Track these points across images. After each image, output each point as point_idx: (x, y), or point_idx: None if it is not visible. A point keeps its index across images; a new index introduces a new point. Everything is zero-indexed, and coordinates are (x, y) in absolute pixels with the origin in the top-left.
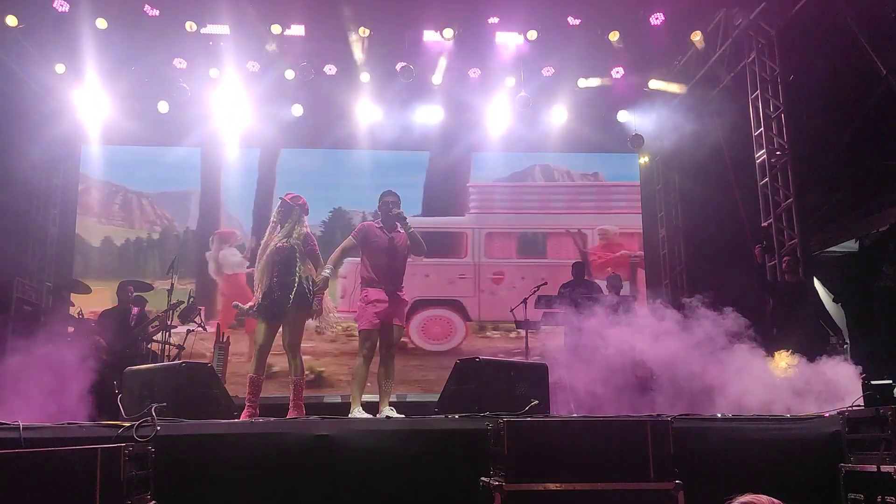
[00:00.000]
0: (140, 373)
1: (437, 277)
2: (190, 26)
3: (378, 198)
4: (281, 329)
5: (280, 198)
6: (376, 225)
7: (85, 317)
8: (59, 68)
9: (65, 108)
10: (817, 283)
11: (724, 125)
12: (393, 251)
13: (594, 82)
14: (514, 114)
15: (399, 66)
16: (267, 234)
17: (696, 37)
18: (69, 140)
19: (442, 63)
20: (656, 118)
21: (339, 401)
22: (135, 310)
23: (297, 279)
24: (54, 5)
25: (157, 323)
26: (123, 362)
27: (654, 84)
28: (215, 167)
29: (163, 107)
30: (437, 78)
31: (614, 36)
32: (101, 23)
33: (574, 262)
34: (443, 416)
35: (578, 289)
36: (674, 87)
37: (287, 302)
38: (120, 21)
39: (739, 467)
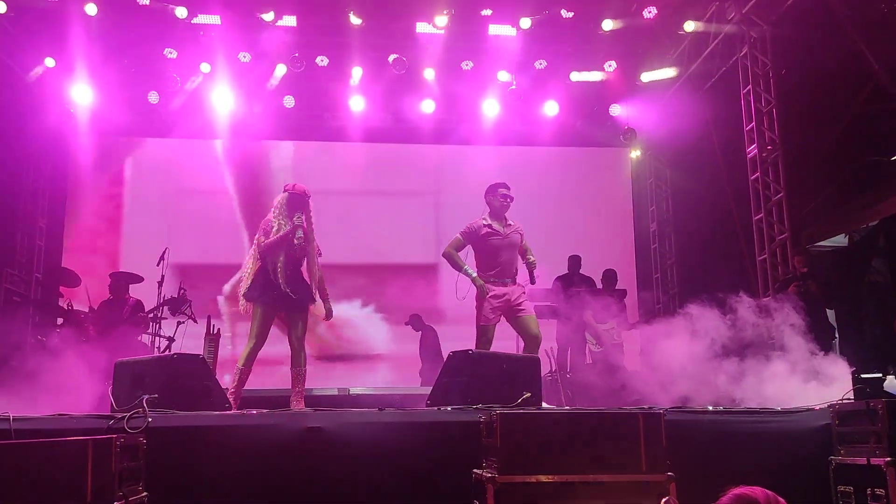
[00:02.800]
0: (131, 364)
1: None
2: (180, 12)
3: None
4: (289, 322)
5: (285, 189)
6: (484, 222)
7: (74, 308)
8: (49, 62)
9: (54, 98)
10: None
11: (716, 119)
12: (508, 245)
13: (594, 76)
14: (506, 107)
15: (391, 57)
16: (274, 225)
17: (690, 26)
18: (58, 130)
19: (434, 55)
20: (648, 112)
21: (336, 393)
22: (131, 301)
23: (303, 272)
24: None
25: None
26: (117, 354)
27: (647, 76)
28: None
29: (153, 98)
30: (429, 70)
31: (608, 24)
32: (91, 8)
33: (570, 255)
34: (435, 409)
35: (573, 282)
36: (667, 73)
37: (299, 295)
38: (110, 10)
39: (730, 460)
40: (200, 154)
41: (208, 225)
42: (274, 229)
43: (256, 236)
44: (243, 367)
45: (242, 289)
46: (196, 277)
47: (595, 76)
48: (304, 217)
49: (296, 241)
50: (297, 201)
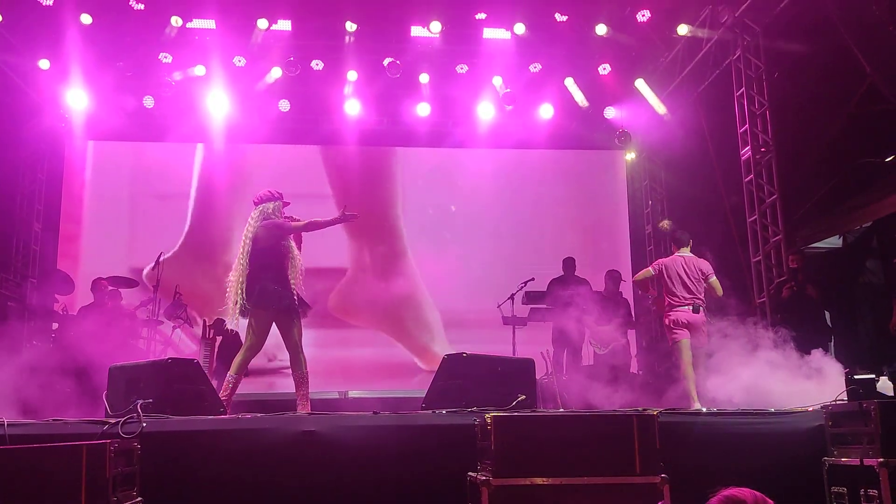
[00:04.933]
0: (125, 369)
1: None
2: (175, 21)
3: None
4: (285, 326)
5: (274, 197)
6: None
7: (69, 313)
8: (44, 64)
9: (49, 102)
10: None
11: (710, 122)
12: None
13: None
14: (501, 110)
15: (386, 61)
16: (250, 232)
17: (683, 30)
18: (53, 135)
19: (429, 59)
20: (643, 115)
21: (336, 396)
22: (109, 304)
23: (291, 275)
24: None
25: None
26: (100, 358)
27: (640, 84)
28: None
29: (148, 102)
30: (423, 74)
31: (602, 28)
32: (86, 18)
33: (565, 257)
34: (430, 412)
35: (568, 284)
36: (659, 107)
37: (290, 299)
38: (105, 14)
39: (724, 461)
40: (196, 158)
41: (205, 229)
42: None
43: (248, 243)
44: (236, 376)
45: (236, 300)
46: (193, 282)
47: (583, 101)
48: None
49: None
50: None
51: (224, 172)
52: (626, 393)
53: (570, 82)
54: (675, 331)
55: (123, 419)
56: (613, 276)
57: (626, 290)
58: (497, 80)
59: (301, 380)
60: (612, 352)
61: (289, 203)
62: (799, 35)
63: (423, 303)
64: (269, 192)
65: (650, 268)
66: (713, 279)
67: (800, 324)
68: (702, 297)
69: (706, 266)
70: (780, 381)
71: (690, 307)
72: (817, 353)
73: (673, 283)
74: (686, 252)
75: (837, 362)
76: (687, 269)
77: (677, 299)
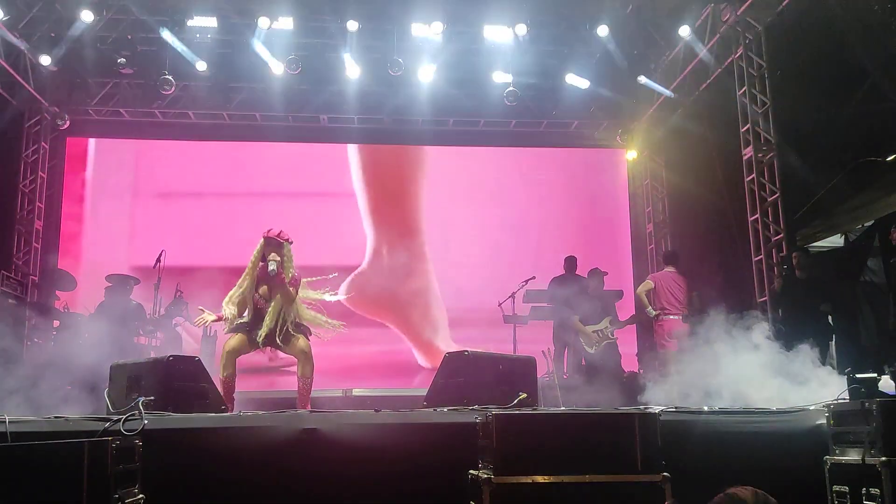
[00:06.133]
0: (127, 367)
1: None
2: (177, 19)
3: None
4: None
5: (263, 235)
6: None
7: (70, 311)
8: (44, 61)
9: (49, 100)
10: None
11: (712, 120)
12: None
13: (584, 83)
14: (502, 109)
15: (387, 60)
16: (253, 265)
17: (685, 32)
18: (53, 134)
19: (430, 57)
20: (644, 113)
21: (340, 394)
22: (133, 302)
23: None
24: None
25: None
26: (120, 355)
27: (643, 80)
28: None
29: (149, 100)
30: (424, 73)
31: (603, 31)
32: (87, 16)
33: (566, 256)
34: (431, 410)
35: (568, 283)
36: (666, 93)
37: (288, 334)
38: (106, 12)
39: (725, 459)
40: (197, 157)
41: (206, 227)
42: (246, 270)
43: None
44: (232, 376)
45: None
46: (194, 280)
47: (584, 83)
48: (279, 258)
49: (270, 272)
50: (272, 244)
51: (225, 171)
52: (616, 392)
53: (570, 79)
54: (664, 338)
55: (125, 416)
56: (597, 275)
57: (626, 292)
58: (498, 79)
59: (303, 384)
60: (601, 351)
61: (283, 239)
62: (801, 33)
63: (433, 300)
64: (264, 232)
65: (649, 280)
66: (694, 294)
67: (798, 322)
68: (686, 308)
69: (687, 283)
70: (774, 380)
71: (680, 317)
72: (810, 354)
73: (664, 294)
74: (672, 269)
75: (833, 363)
76: (677, 284)
77: (667, 310)
